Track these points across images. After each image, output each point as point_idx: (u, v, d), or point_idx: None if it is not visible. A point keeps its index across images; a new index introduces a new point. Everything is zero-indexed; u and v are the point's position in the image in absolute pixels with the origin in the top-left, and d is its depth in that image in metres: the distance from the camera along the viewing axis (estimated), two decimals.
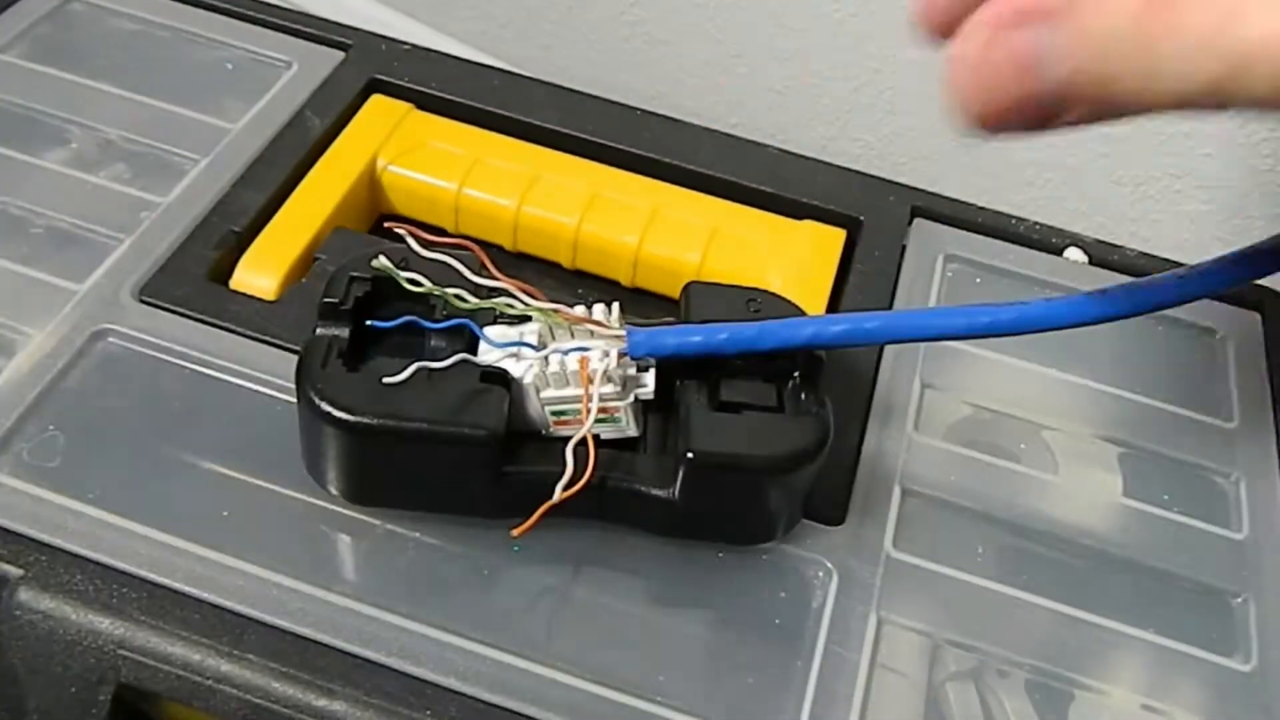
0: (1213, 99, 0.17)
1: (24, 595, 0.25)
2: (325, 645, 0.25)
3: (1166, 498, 0.31)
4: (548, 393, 0.26)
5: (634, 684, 0.25)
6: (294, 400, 0.26)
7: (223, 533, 0.26)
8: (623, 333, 0.26)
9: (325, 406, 0.25)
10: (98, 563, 0.25)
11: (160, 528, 0.26)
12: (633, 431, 0.27)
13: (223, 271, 0.32)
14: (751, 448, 0.25)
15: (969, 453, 0.31)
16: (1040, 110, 0.19)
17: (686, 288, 0.28)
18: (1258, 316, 0.36)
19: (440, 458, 0.25)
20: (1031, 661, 0.27)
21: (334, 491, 0.27)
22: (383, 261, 0.26)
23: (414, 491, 0.27)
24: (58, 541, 0.26)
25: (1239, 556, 0.30)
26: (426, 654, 0.25)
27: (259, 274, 0.32)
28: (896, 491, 0.29)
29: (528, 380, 0.26)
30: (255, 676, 0.24)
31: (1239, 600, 0.29)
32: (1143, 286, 0.25)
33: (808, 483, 0.27)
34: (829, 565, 0.28)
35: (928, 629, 0.27)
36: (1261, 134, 0.49)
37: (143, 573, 0.25)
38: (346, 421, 0.25)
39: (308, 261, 0.32)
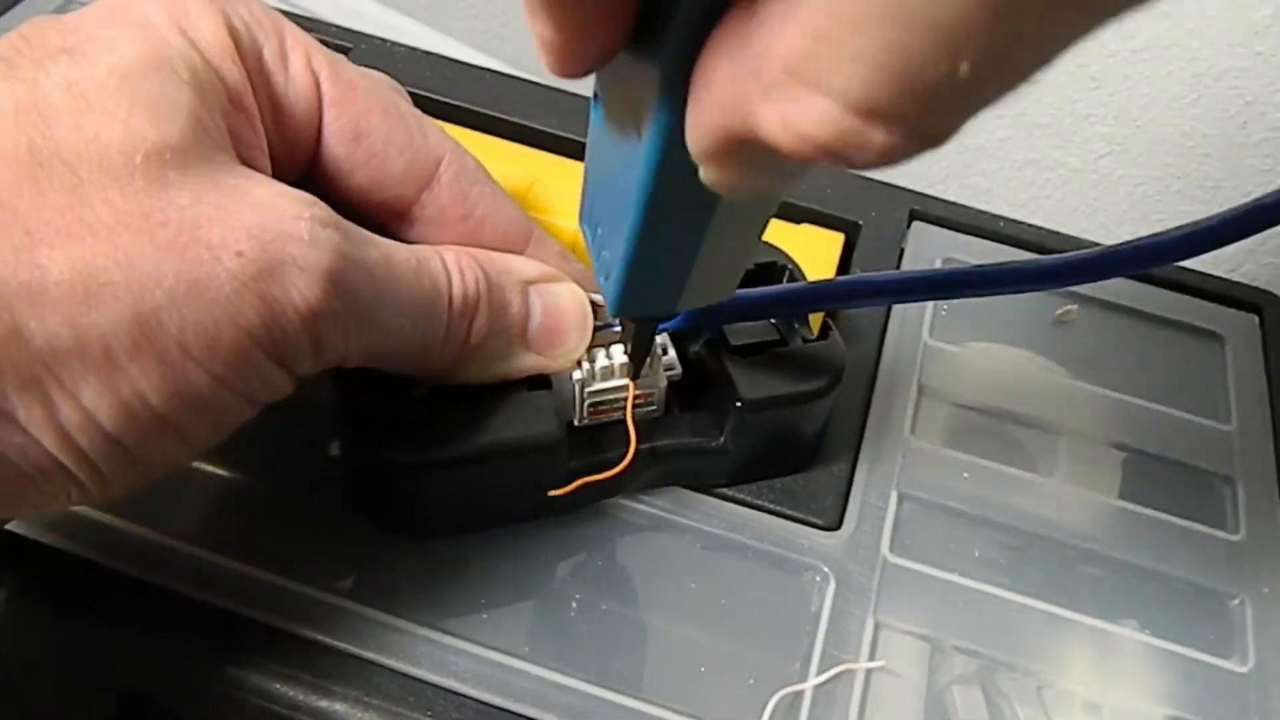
0: None
1: None
2: (325, 645, 0.25)
3: (1164, 500, 0.31)
4: (594, 386, 0.26)
5: (632, 686, 0.25)
6: None
7: (225, 536, 0.26)
8: None
9: (392, 452, 0.25)
10: (90, 561, 0.26)
11: (153, 526, 0.26)
12: (659, 412, 0.28)
13: None
14: (791, 384, 0.27)
15: (966, 456, 0.31)
16: None
17: None
18: (1256, 319, 0.36)
19: (508, 470, 0.26)
20: (1029, 664, 0.27)
21: (392, 529, 0.27)
22: None
23: (480, 513, 0.27)
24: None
25: (1236, 558, 0.30)
26: (426, 655, 0.25)
27: None
28: (893, 496, 0.30)
29: (577, 376, 0.26)
30: (255, 677, 0.24)
31: (1236, 602, 0.29)
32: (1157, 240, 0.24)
33: (833, 402, 0.28)
34: (826, 570, 0.28)
35: (925, 633, 0.27)
36: (1261, 134, 0.49)
37: (133, 572, 0.25)
38: (415, 462, 0.25)
39: None
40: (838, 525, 0.29)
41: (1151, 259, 0.24)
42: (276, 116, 0.23)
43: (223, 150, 0.21)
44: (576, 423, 0.27)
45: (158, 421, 0.20)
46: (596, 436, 0.27)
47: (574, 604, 0.26)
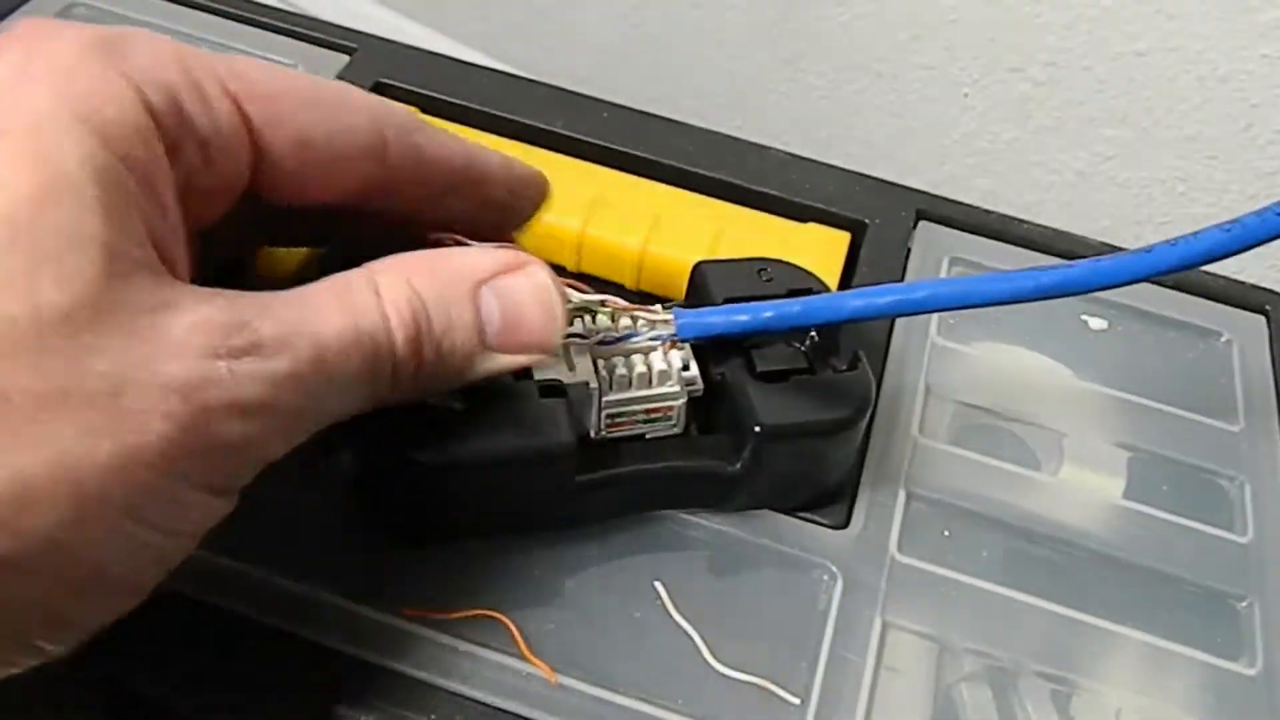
0: None
1: None
2: (326, 647, 0.25)
3: (1171, 501, 0.31)
4: (611, 397, 0.26)
5: (637, 687, 0.25)
6: None
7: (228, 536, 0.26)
8: (669, 317, 0.26)
9: (409, 453, 0.24)
10: None
11: None
12: (679, 430, 0.27)
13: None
14: (813, 413, 0.26)
15: (973, 455, 0.31)
16: None
17: (698, 267, 0.29)
18: (1263, 320, 0.36)
19: (518, 479, 0.25)
20: (1036, 665, 0.27)
21: (400, 538, 0.27)
22: None
23: (483, 521, 0.27)
24: None
25: (1244, 560, 0.30)
26: (428, 656, 0.25)
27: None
28: (901, 495, 0.29)
29: (593, 385, 0.26)
30: (255, 678, 0.24)
31: (1244, 604, 0.29)
32: (1186, 240, 0.24)
33: (860, 436, 0.28)
34: (834, 569, 0.28)
35: (932, 632, 0.27)
36: (1267, 136, 0.49)
37: None
38: (427, 464, 0.24)
39: (309, 266, 0.32)
40: (845, 524, 0.29)
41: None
42: (206, 157, 0.22)
43: (139, 268, 0.19)
44: (594, 434, 0.26)
45: (112, 585, 0.20)
46: (613, 452, 0.26)
47: (576, 604, 0.26)
